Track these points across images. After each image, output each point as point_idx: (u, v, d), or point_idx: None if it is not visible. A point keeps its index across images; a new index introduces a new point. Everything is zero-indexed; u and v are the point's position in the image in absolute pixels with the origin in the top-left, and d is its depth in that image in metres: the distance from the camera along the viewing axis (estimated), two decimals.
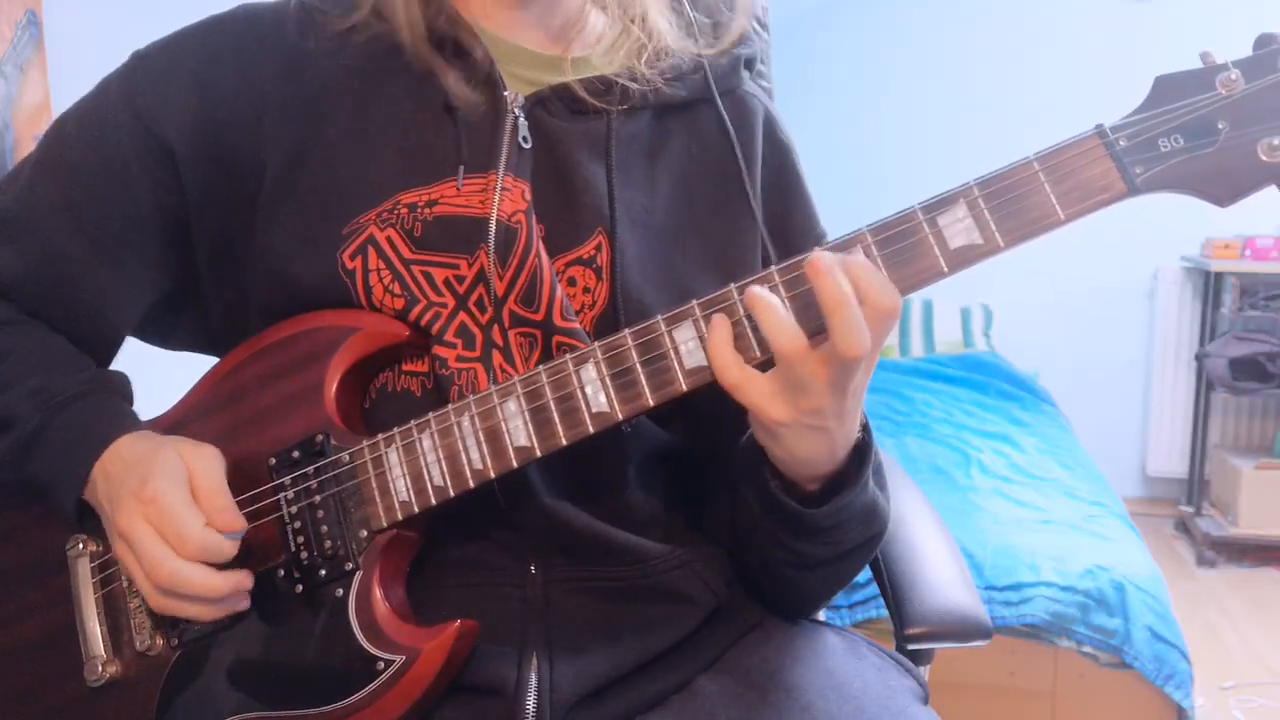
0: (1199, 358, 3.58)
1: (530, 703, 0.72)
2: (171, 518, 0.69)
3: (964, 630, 0.94)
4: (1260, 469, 3.40)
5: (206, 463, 0.72)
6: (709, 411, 0.78)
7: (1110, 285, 3.78)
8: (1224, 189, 0.63)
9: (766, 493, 0.71)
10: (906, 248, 0.64)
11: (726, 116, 0.82)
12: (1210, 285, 3.61)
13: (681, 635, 0.78)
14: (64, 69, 1.68)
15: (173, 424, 0.79)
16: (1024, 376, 3.64)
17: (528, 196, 0.75)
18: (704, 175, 0.82)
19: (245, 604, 0.72)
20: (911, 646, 0.97)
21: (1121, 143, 0.63)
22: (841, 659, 0.79)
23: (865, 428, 0.71)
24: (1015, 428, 3.18)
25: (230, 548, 0.70)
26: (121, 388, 0.81)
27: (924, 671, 0.98)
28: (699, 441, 0.82)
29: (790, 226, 0.84)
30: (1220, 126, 0.62)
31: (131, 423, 0.77)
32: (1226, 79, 0.63)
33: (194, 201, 0.79)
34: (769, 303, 0.62)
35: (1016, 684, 2.05)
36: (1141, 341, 3.90)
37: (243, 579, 0.71)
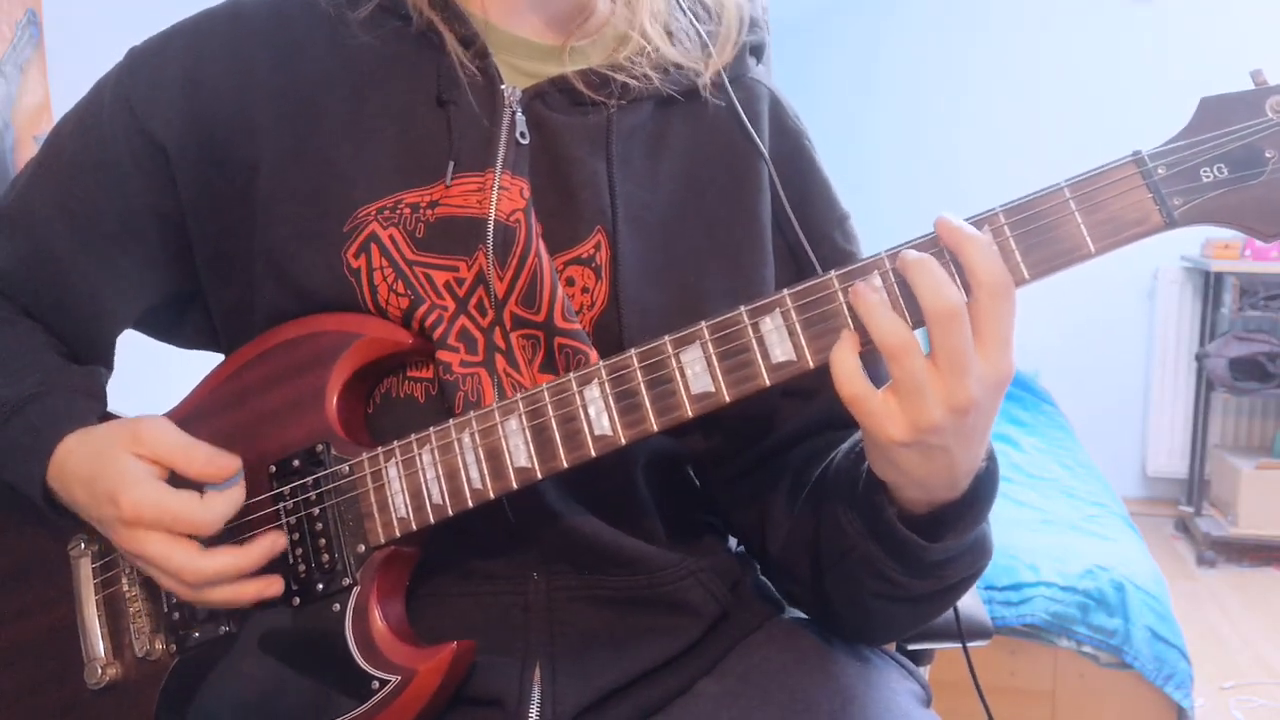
0: (1199, 358, 3.58)
1: (533, 714, 0.71)
2: (173, 516, 0.68)
3: (964, 630, 0.94)
4: (1260, 469, 3.40)
5: (156, 435, 0.71)
6: (737, 420, 0.77)
7: (1110, 285, 3.78)
8: (1270, 223, 0.58)
9: (880, 520, 0.67)
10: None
11: (736, 99, 0.80)
12: (1210, 285, 3.61)
13: (685, 645, 0.77)
14: (64, 69, 1.68)
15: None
16: (1024, 376, 3.65)
17: (526, 194, 0.74)
18: (709, 164, 0.80)
19: (279, 587, 0.71)
20: (912, 646, 0.97)
21: (1160, 171, 0.59)
22: (844, 661, 0.78)
23: (990, 457, 0.66)
24: (1015, 428, 3.19)
25: (239, 494, 0.70)
26: (80, 384, 0.79)
27: (924, 671, 0.98)
28: (731, 451, 0.80)
29: (810, 213, 0.81)
30: (1269, 155, 0.58)
31: (73, 421, 0.75)
32: (1277, 103, 0.58)
33: (189, 201, 0.78)
34: (871, 301, 0.59)
35: (1016, 684, 2.05)
36: (1141, 341, 3.90)
37: (273, 540, 0.71)
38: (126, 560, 0.76)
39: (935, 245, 0.61)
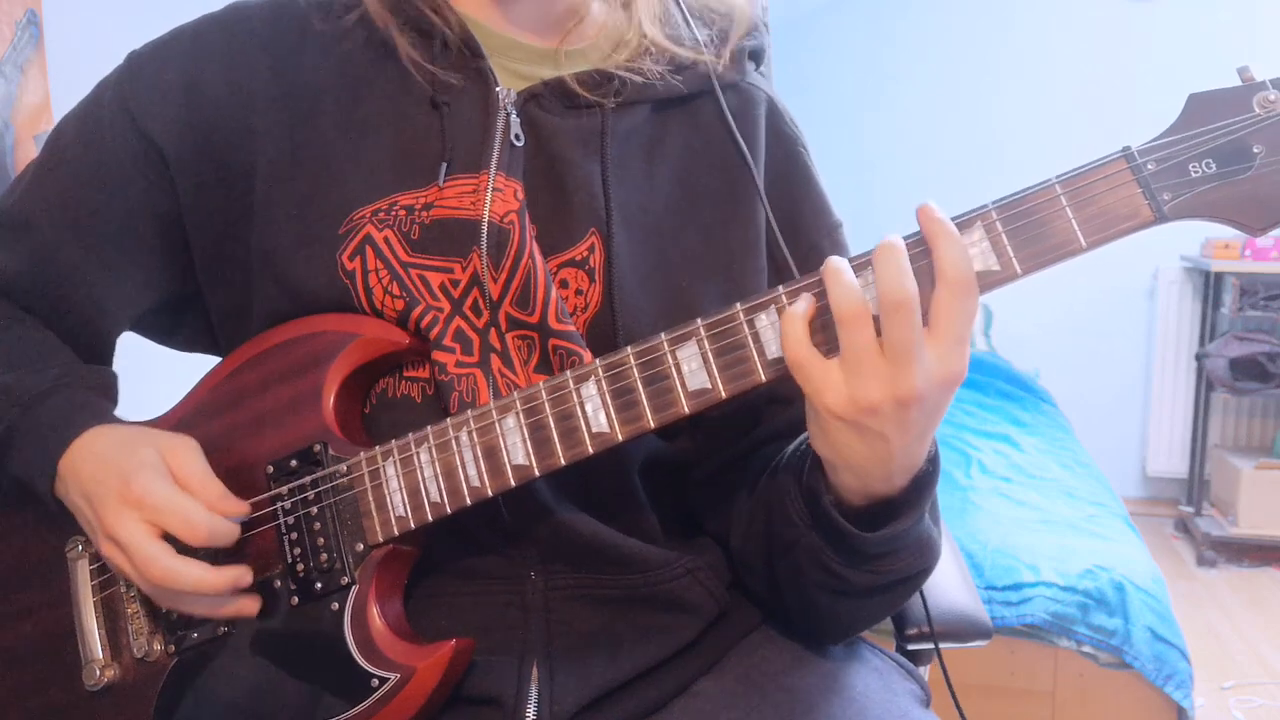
0: (1199, 358, 3.58)
1: (530, 713, 0.71)
2: (172, 510, 0.68)
3: (964, 630, 0.94)
4: (1260, 469, 3.40)
5: (186, 453, 0.71)
6: (718, 421, 0.77)
7: (1110, 285, 3.79)
8: (1258, 217, 0.59)
9: (819, 506, 0.68)
10: (920, 269, 0.60)
11: (726, 107, 0.80)
12: (1210, 285, 3.61)
13: (683, 643, 0.77)
14: (64, 69, 1.68)
15: (173, 425, 0.78)
16: (1024, 376, 3.65)
17: (520, 196, 0.74)
18: (705, 170, 0.80)
19: (254, 608, 0.71)
20: (911, 647, 0.97)
21: (1150, 167, 0.60)
22: (843, 661, 0.79)
23: (933, 460, 0.67)
24: (1015, 428, 3.19)
25: (235, 532, 0.70)
26: (98, 382, 0.80)
27: (924, 672, 0.98)
28: (709, 452, 0.80)
29: (800, 220, 0.81)
30: (1256, 151, 0.59)
31: (99, 416, 0.76)
32: (1264, 99, 0.59)
33: (187, 204, 0.78)
34: (837, 266, 0.60)
35: (1016, 684, 2.05)
36: (1141, 341, 3.90)
37: (241, 574, 0.70)
38: (95, 540, 0.73)
39: (921, 244, 0.61)
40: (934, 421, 0.63)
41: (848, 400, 0.60)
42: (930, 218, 0.60)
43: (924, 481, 0.67)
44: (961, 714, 0.89)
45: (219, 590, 0.70)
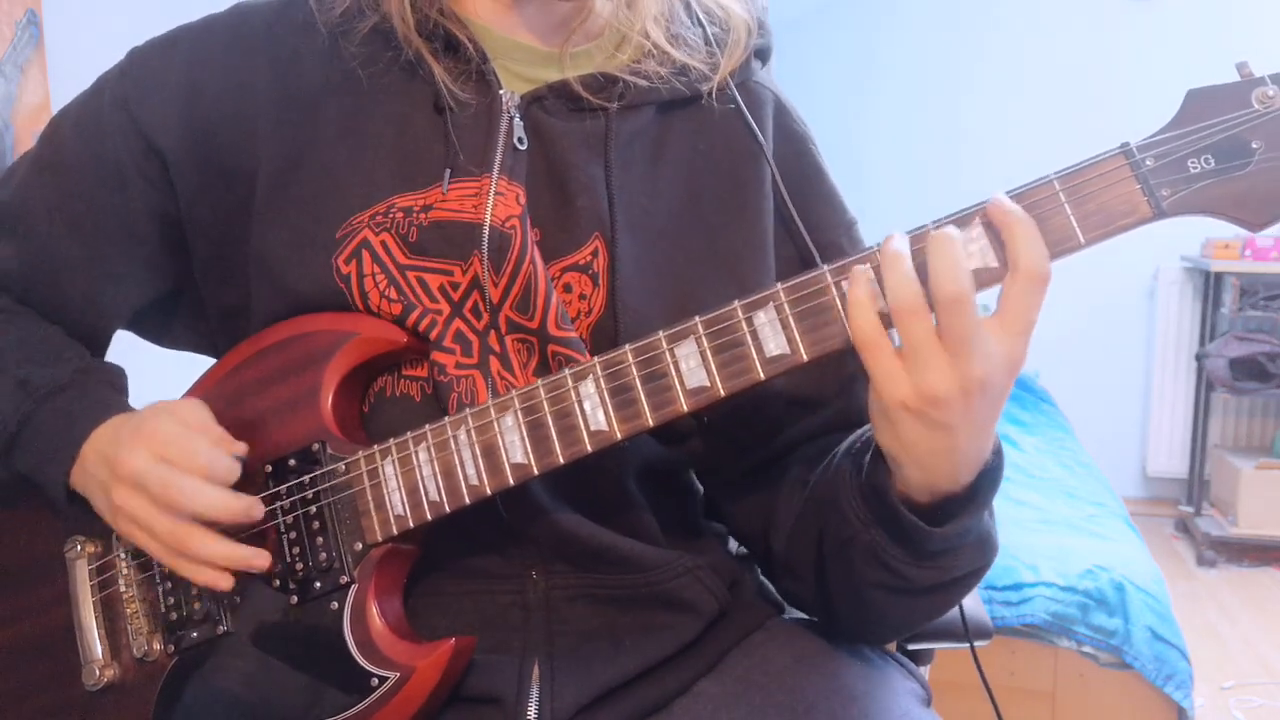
0: (1199, 358, 3.58)
1: (531, 712, 0.71)
2: (176, 439, 0.69)
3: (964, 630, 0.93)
4: (1260, 469, 3.40)
5: (193, 404, 0.73)
6: (732, 424, 0.77)
7: (1110, 285, 3.78)
8: (1257, 213, 0.59)
9: (884, 502, 0.66)
10: (916, 269, 0.59)
11: (742, 102, 0.80)
12: (1210, 285, 3.61)
13: (684, 642, 0.77)
14: (64, 69, 1.68)
15: None
16: (1024, 376, 3.65)
17: (522, 200, 0.74)
18: (710, 172, 0.79)
19: (264, 561, 0.70)
20: (912, 646, 0.97)
21: (1148, 163, 0.60)
22: (844, 661, 0.78)
23: (998, 452, 0.66)
24: (1015, 427, 3.19)
25: (236, 468, 0.70)
26: (112, 378, 0.80)
27: (924, 671, 0.98)
28: (728, 457, 0.79)
29: (815, 218, 0.81)
30: (1255, 146, 0.59)
31: (119, 409, 0.76)
32: (1263, 94, 0.59)
33: (186, 204, 0.78)
34: (897, 251, 0.59)
35: (1016, 684, 2.05)
36: (1141, 341, 3.90)
37: (253, 504, 0.69)
38: (110, 502, 0.72)
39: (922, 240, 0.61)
40: (997, 409, 0.62)
41: (913, 390, 0.60)
42: (1003, 209, 0.60)
43: (990, 476, 0.66)
44: (998, 713, 0.90)
45: (237, 512, 0.69)
